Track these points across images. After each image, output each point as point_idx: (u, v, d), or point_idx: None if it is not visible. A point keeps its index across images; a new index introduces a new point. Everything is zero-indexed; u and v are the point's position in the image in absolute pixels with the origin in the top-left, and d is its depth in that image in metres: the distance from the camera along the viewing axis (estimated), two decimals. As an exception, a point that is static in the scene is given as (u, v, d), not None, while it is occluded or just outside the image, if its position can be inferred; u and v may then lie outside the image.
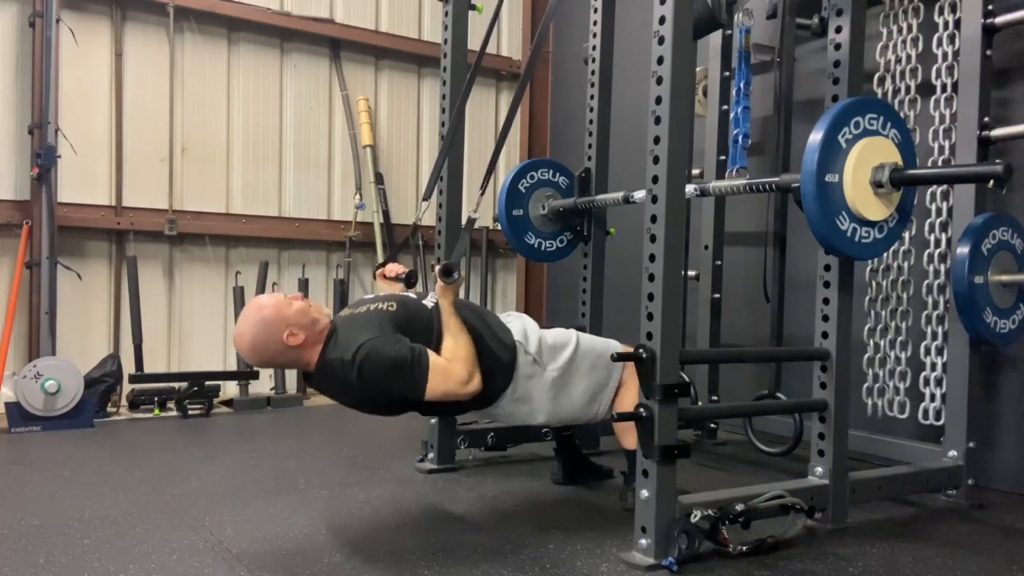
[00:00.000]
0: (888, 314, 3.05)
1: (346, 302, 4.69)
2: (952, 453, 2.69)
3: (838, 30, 2.37)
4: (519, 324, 2.42)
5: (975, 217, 2.64)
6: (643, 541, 2.02)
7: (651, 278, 2.04)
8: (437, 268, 2.22)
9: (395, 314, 2.17)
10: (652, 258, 2.04)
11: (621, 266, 3.54)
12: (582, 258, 3.37)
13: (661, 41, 2.03)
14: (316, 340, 2.10)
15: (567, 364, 2.38)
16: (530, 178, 3.31)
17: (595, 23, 3.35)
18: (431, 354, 2.10)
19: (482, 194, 2.51)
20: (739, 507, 2.07)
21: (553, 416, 2.40)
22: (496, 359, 2.27)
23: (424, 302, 2.28)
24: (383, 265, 2.71)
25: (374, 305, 2.20)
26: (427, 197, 2.79)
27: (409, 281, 2.60)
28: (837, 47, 2.37)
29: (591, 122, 3.35)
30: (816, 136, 2.13)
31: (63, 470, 2.90)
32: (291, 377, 4.54)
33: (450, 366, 2.10)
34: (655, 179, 2.04)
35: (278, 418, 4.08)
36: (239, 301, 4.35)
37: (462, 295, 2.73)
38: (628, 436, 2.46)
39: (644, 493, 2.02)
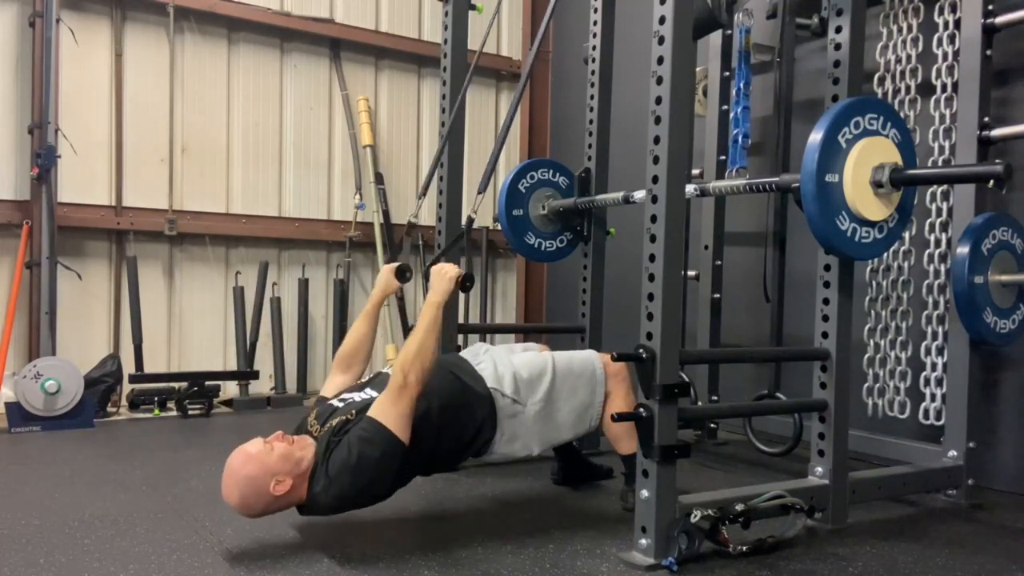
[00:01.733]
0: (888, 314, 3.05)
1: (346, 302, 4.70)
2: (952, 453, 2.68)
3: (838, 30, 2.37)
4: (489, 366, 2.41)
5: (975, 217, 2.64)
6: (643, 541, 2.02)
7: (651, 278, 2.04)
8: (442, 269, 2.24)
9: (355, 422, 2.10)
10: (652, 258, 2.04)
11: (621, 266, 3.54)
12: (582, 258, 3.38)
13: (661, 41, 2.03)
14: (303, 479, 2.03)
15: (547, 394, 2.39)
16: (530, 178, 3.31)
17: (595, 23, 3.35)
18: (371, 410, 2.06)
19: (481, 194, 2.51)
20: (739, 507, 2.07)
21: (547, 443, 2.44)
22: (476, 413, 2.28)
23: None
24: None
25: (337, 419, 2.12)
26: (423, 195, 2.78)
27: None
28: (837, 47, 2.37)
29: (591, 122, 3.35)
30: (816, 136, 2.13)
31: (63, 470, 2.90)
32: (291, 377, 4.54)
33: (387, 393, 2.06)
34: (655, 179, 2.04)
35: (278, 418, 4.07)
36: (239, 301, 4.35)
37: (462, 294, 2.72)
38: (623, 442, 2.48)
39: (644, 493, 2.02)
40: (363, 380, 2.42)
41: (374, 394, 2.19)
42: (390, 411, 2.04)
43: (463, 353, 2.56)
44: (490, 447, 2.33)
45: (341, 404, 2.21)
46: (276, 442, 2.03)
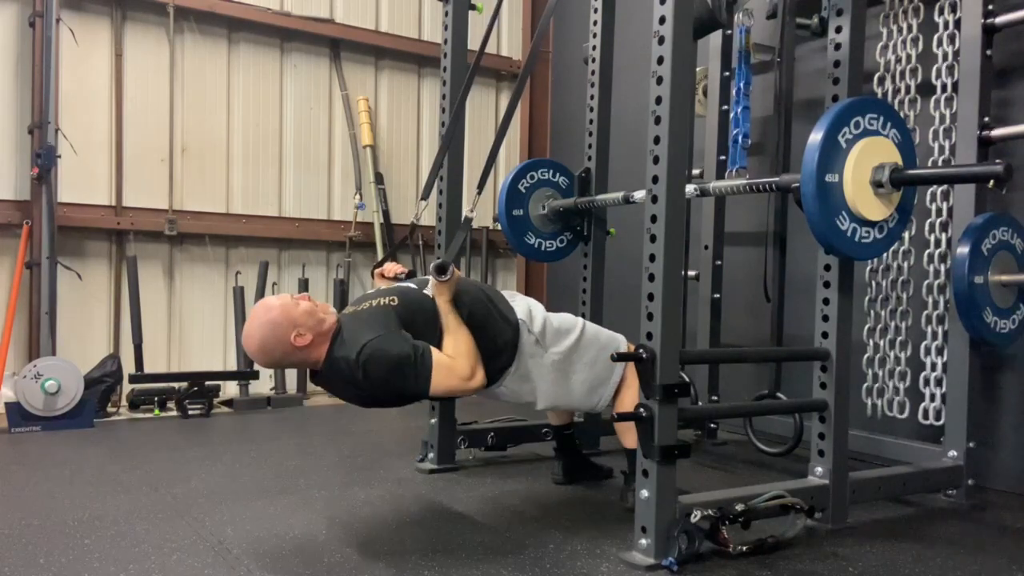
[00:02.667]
0: (888, 314, 3.05)
1: (346, 302, 4.68)
2: (952, 453, 2.68)
3: (838, 30, 2.37)
4: (524, 304, 2.44)
5: (975, 217, 2.64)
6: (643, 541, 2.02)
7: (651, 278, 2.04)
8: (431, 266, 2.24)
9: (397, 308, 2.19)
10: (652, 258, 2.04)
11: (621, 266, 3.54)
12: (582, 258, 3.37)
13: (661, 41, 2.03)
14: (323, 339, 2.11)
15: (569, 350, 2.39)
16: (530, 178, 3.31)
17: (595, 23, 3.35)
18: (434, 351, 2.12)
19: (479, 194, 2.51)
20: (739, 507, 2.07)
21: (553, 400, 2.42)
22: (500, 336, 2.29)
23: (425, 291, 2.29)
24: (381, 264, 2.71)
25: (376, 300, 2.22)
26: (425, 196, 2.78)
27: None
28: (837, 47, 2.37)
29: (591, 122, 3.35)
30: (816, 136, 2.13)
31: (63, 470, 2.90)
32: (291, 377, 4.54)
33: (453, 363, 2.13)
34: (655, 179, 2.04)
35: (278, 418, 4.08)
36: (239, 301, 4.35)
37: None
38: (629, 435, 2.46)
39: (644, 493, 2.02)
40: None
41: (411, 285, 2.31)
42: (444, 376, 2.10)
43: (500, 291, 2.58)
44: (503, 376, 2.33)
45: (375, 292, 2.30)
46: (302, 300, 2.11)
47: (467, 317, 2.23)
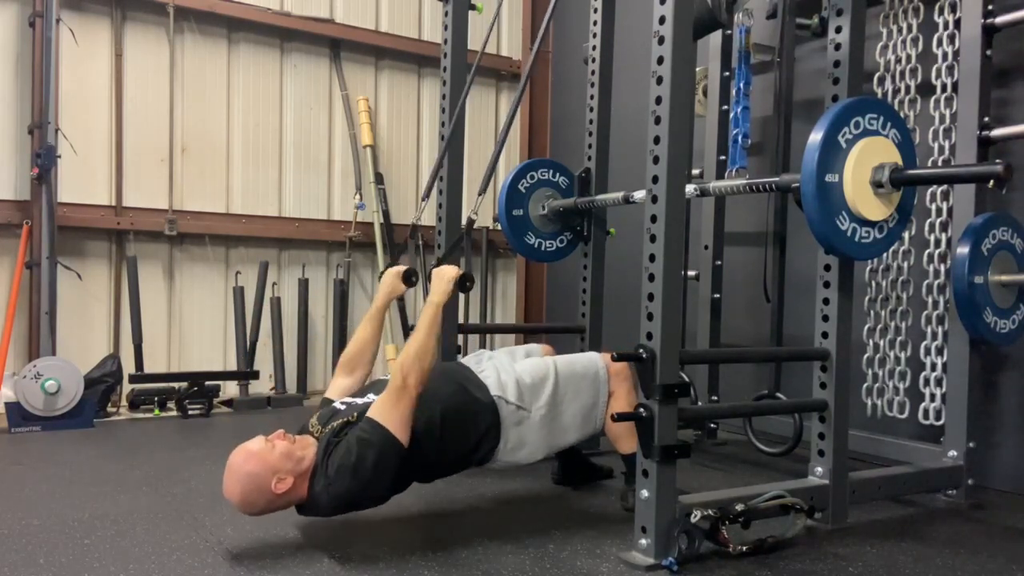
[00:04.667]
0: (888, 314, 3.05)
1: (346, 302, 4.70)
2: (952, 453, 2.69)
3: (838, 30, 2.37)
4: (492, 373, 2.40)
5: (975, 217, 2.64)
6: (643, 541, 2.02)
7: (651, 278, 2.04)
8: (454, 274, 2.25)
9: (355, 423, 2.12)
10: (652, 258, 2.04)
11: (621, 266, 3.54)
12: (582, 258, 3.37)
13: (661, 41, 2.03)
14: (304, 478, 2.03)
15: (551, 398, 2.39)
16: (530, 178, 3.31)
17: (595, 23, 3.35)
18: (370, 411, 2.07)
19: (481, 195, 2.51)
20: (739, 507, 2.07)
21: (553, 448, 2.44)
22: (480, 422, 2.27)
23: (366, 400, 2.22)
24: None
25: (338, 421, 2.13)
26: (426, 196, 2.78)
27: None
28: (837, 47, 2.37)
29: (591, 122, 3.35)
30: (816, 136, 2.13)
31: (63, 470, 2.90)
32: (291, 377, 4.54)
33: (386, 394, 2.07)
34: (655, 179, 2.04)
35: (278, 418, 4.07)
36: (239, 301, 4.35)
37: (463, 298, 2.72)
38: (623, 441, 2.48)
39: (644, 493, 2.02)
40: (366, 384, 2.43)
41: (371, 396, 2.21)
42: (389, 412, 2.05)
43: (465, 360, 2.55)
44: (494, 456, 2.33)
45: (343, 407, 2.22)
46: (278, 440, 2.04)
47: (442, 417, 2.18)
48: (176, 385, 4.11)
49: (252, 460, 2.00)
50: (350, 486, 2.01)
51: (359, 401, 2.23)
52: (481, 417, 2.28)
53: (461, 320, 3.25)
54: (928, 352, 2.88)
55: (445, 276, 2.31)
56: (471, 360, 2.53)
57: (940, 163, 2.88)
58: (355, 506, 2.10)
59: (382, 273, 2.63)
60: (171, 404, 4.06)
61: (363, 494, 2.05)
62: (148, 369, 4.07)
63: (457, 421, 2.24)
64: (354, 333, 2.56)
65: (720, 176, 3.34)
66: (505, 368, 2.43)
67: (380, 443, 2.01)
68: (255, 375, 4.32)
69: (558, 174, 3.36)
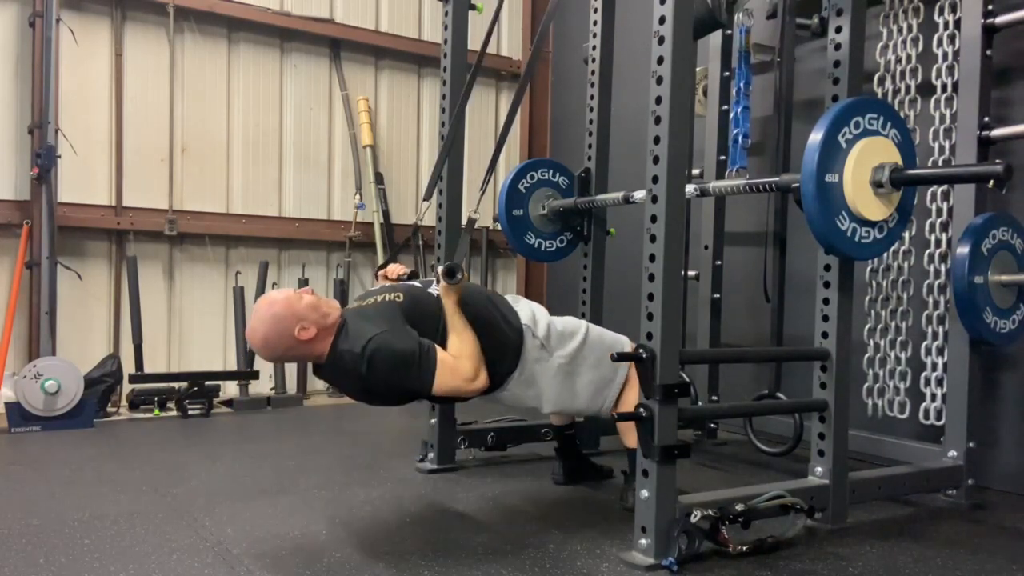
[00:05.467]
0: (888, 314, 3.05)
1: (346, 302, 4.68)
2: (952, 453, 2.68)
3: (838, 30, 2.37)
4: (527, 308, 2.45)
5: (975, 217, 2.64)
6: (643, 541, 2.02)
7: (651, 278, 2.04)
8: (440, 269, 2.24)
9: (403, 304, 2.20)
10: (652, 258, 2.04)
11: (621, 266, 3.54)
12: (582, 258, 3.37)
13: (661, 41, 2.03)
14: (327, 333, 2.11)
15: (574, 352, 2.39)
16: (530, 178, 3.31)
17: (595, 23, 3.35)
18: (439, 350, 2.13)
19: (482, 194, 2.51)
20: (739, 507, 2.07)
21: (558, 404, 2.41)
22: (505, 341, 2.29)
23: (430, 290, 2.30)
24: (384, 266, 2.71)
25: (382, 296, 2.23)
26: (427, 197, 2.79)
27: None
28: (837, 47, 2.37)
29: (591, 122, 3.35)
30: (816, 136, 2.13)
31: (63, 470, 2.90)
32: (291, 377, 4.54)
33: (457, 363, 2.14)
34: (655, 179, 2.04)
35: (278, 418, 4.08)
36: (239, 301, 4.35)
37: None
38: (631, 434, 2.46)
39: (644, 493, 2.02)
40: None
41: (417, 284, 2.33)
42: (448, 376, 2.11)
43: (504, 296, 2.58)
44: (507, 382, 2.33)
45: (380, 288, 2.31)
46: (306, 293, 2.12)
47: (471, 321, 2.23)
48: (176, 385, 4.11)
49: (279, 304, 2.08)
50: (380, 370, 2.06)
51: (399, 283, 2.32)
52: (507, 334, 2.31)
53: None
54: (928, 352, 2.88)
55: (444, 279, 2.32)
56: (509, 297, 2.54)
57: (940, 163, 2.88)
58: (365, 389, 2.14)
59: (375, 275, 2.68)
60: (171, 404, 4.06)
61: (380, 385, 2.11)
62: (148, 369, 4.07)
63: (486, 329, 2.25)
64: None
65: (720, 176, 3.34)
66: (540, 310, 2.48)
67: (420, 376, 2.08)
68: (255, 375, 4.32)
69: (558, 174, 3.36)
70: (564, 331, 2.42)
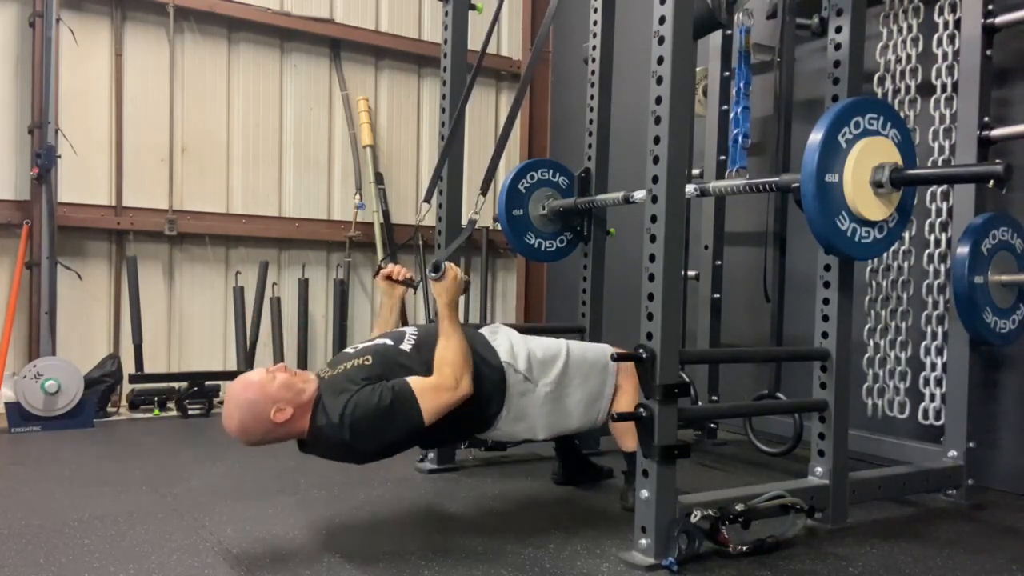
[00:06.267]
0: (888, 314, 3.05)
1: (346, 302, 4.70)
2: (952, 453, 2.69)
3: (838, 30, 2.37)
4: (505, 342, 2.41)
5: (975, 217, 2.64)
6: (643, 541, 2.02)
7: (651, 278, 2.04)
8: (428, 266, 2.25)
9: (372, 366, 2.15)
10: (652, 258, 2.04)
11: (621, 266, 3.54)
12: (582, 258, 3.38)
13: (661, 41, 2.03)
14: (304, 411, 2.05)
15: (559, 377, 2.38)
16: (530, 178, 3.31)
17: (595, 23, 3.35)
18: (411, 380, 2.09)
19: (483, 195, 2.51)
20: (739, 507, 2.07)
21: (552, 429, 2.42)
22: (486, 384, 2.27)
23: (401, 347, 2.24)
24: (384, 265, 2.68)
25: (351, 363, 2.16)
26: (428, 199, 2.78)
27: (414, 285, 2.54)
28: (837, 47, 2.37)
29: (591, 122, 3.35)
30: (816, 136, 2.13)
31: (63, 470, 2.90)
32: (291, 377, 4.53)
33: (437, 379, 2.10)
34: (655, 179, 2.04)
35: (278, 418, 4.07)
36: (239, 301, 4.35)
37: (463, 298, 2.72)
38: (626, 438, 2.47)
39: (644, 493, 2.02)
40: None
41: (387, 341, 2.25)
42: (430, 398, 2.07)
43: (480, 330, 2.55)
44: (496, 422, 2.32)
45: (353, 351, 2.25)
46: (279, 372, 2.06)
47: None
48: (176, 385, 4.11)
49: (251, 388, 2.01)
50: (363, 431, 2.02)
51: (369, 343, 2.26)
52: (487, 378, 2.28)
53: (461, 320, 3.24)
54: (928, 352, 2.88)
55: (447, 276, 2.30)
56: (487, 330, 2.53)
57: (940, 163, 2.88)
58: (356, 454, 2.11)
59: (375, 274, 2.66)
60: (171, 404, 4.06)
61: (369, 445, 2.07)
62: (148, 369, 4.07)
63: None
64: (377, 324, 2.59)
65: (720, 176, 3.34)
66: (518, 341, 2.44)
67: (407, 415, 2.04)
68: (255, 375, 4.31)
69: (558, 174, 3.36)
70: (545, 358, 2.40)
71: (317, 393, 2.08)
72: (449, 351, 2.15)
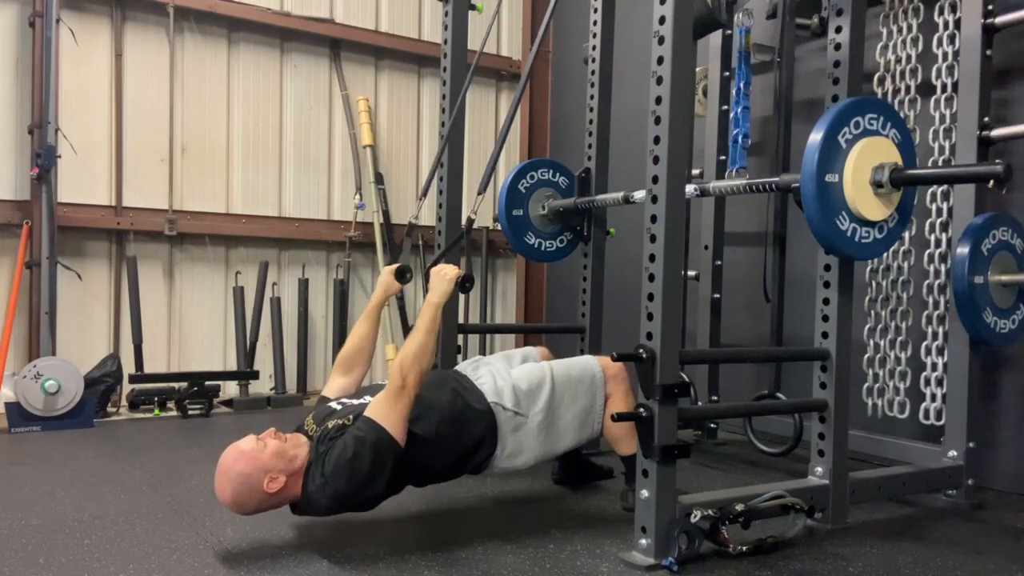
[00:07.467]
0: (888, 314, 3.05)
1: (346, 302, 4.70)
2: (952, 453, 2.69)
3: (838, 30, 2.37)
4: (489, 379, 2.39)
5: (975, 217, 2.64)
6: (643, 541, 2.02)
7: (651, 278, 2.04)
8: (442, 270, 2.25)
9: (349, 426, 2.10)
10: (652, 258, 2.04)
11: (621, 266, 3.54)
12: (582, 258, 3.38)
13: (661, 41, 2.03)
14: (296, 478, 2.02)
15: (547, 402, 2.38)
16: (530, 178, 3.31)
17: (595, 23, 3.35)
18: (367, 410, 2.07)
19: (481, 195, 2.51)
20: (739, 507, 2.07)
21: (550, 454, 2.43)
22: (476, 431, 2.26)
23: None
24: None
25: (333, 422, 2.12)
26: (423, 196, 2.77)
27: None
28: (837, 47, 2.37)
29: (591, 122, 3.35)
30: (816, 136, 2.13)
31: (63, 470, 2.90)
32: (291, 377, 4.54)
33: (386, 389, 2.08)
34: (655, 179, 2.04)
35: (278, 418, 4.06)
36: (239, 301, 4.35)
37: (463, 298, 2.72)
38: (622, 443, 2.48)
39: (644, 493, 2.02)
40: (363, 387, 2.42)
41: (368, 399, 2.20)
42: (387, 412, 2.05)
43: (461, 367, 2.54)
44: (490, 463, 2.32)
45: (339, 407, 2.21)
46: (269, 439, 2.03)
47: (437, 424, 2.18)
48: (176, 385, 4.11)
49: (243, 460, 1.98)
50: (347, 484, 2.00)
51: (355, 402, 2.23)
52: (477, 424, 2.27)
53: (461, 320, 3.25)
54: (928, 352, 2.88)
55: (445, 276, 2.30)
56: (467, 367, 2.51)
57: (940, 163, 2.88)
58: (350, 506, 2.09)
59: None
60: (171, 404, 4.06)
61: (359, 493, 2.04)
62: (148, 369, 4.07)
63: (453, 428, 2.22)
64: (351, 331, 2.55)
65: (720, 176, 3.34)
66: (501, 374, 2.42)
67: (376, 442, 2.01)
68: (255, 375, 4.32)
69: (558, 174, 3.36)
70: (531, 388, 2.38)
71: (309, 459, 2.05)
72: (405, 347, 2.13)
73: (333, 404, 2.25)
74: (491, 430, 2.29)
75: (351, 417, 2.11)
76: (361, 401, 2.22)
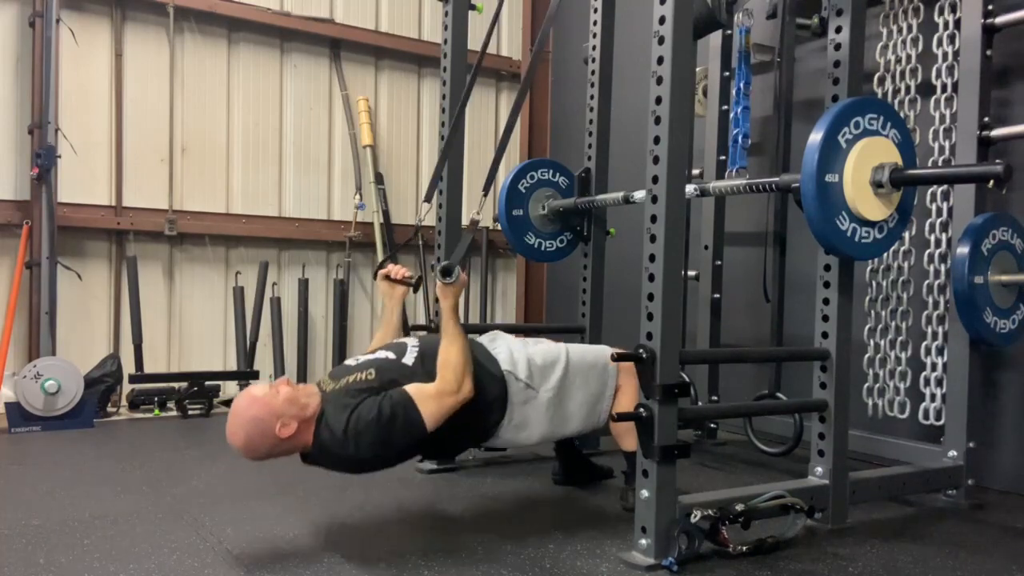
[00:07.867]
0: (888, 314, 3.05)
1: (346, 302, 4.70)
2: (952, 453, 2.69)
3: (838, 30, 2.37)
4: (505, 350, 2.41)
5: (975, 217, 2.64)
6: (643, 541, 2.02)
7: (651, 278, 2.04)
8: (437, 268, 2.24)
9: (373, 380, 2.15)
10: (652, 258, 2.04)
11: (621, 266, 3.54)
12: (582, 258, 3.38)
13: (661, 41, 2.03)
14: (308, 424, 2.05)
15: (560, 381, 2.39)
16: (530, 178, 3.31)
17: (595, 23, 3.35)
18: (410, 388, 2.10)
19: (484, 196, 2.51)
20: (739, 507, 2.07)
21: (554, 434, 2.43)
22: (487, 393, 2.27)
23: (404, 360, 2.24)
24: (383, 265, 2.65)
25: (353, 376, 2.16)
26: (428, 199, 2.78)
27: (414, 285, 2.53)
28: (837, 47, 2.37)
29: (591, 122, 3.35)
30: (816, 136, 2.13)
31: (63, 470, 2.90)
32: (291, 377, 4.52)
33: (438, 384, 2.11)
34: (655, 179, 2.04)
35: (278, 418, 4.07)
36: (239, 301, 4.35)
37: (463, 298, 2.72)
38: (626, 438, 2.47)
39: (644, 493, 2.02)
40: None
41: (390, 355, 2.25)
42: (432, 404, 2.08)
43: (479, 339, 2.55)
44: (497, 431, 2.32)
45: (355, 363, 2.24)
46: (282, 386, 2.06)
47: None
48: (176, 385, 4.11)
49: (256, 405, 2.02)
50: (368, 450, 2.03)
51: (372, 357, 2.26)
52: (488, 388, 2.28)
53: (461, 320, 3.24)
54: (928, 352, 2.88)
55: (460, 281, 2.31)
56: (485, 339, 2.53)
57: (940, 163, 2.88)
58: (358, 469, 2.12)
59: (374, 274, 2.65)
60: (171, 404, 4.06)
61: (372, 457, 2.07)
62: (148, 369, 4.07)
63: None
64: (375, 336, 2.58)
65: (720, 176, 3.34)
66: (517, 348, 2.44)
67: (409, 423, 2.04)
68: (255, 375, 4.32)
69: (558, 174, 3.36)
70: (545, 364, 2.40)
71: (320, 407, 2.08)
72: (452, 354, 2.15)
73: (349, 362, 2.28)
74: (502, 397, 2.31)
75: (372, 371, 2.15)
76: (379, 356, 2.25)
